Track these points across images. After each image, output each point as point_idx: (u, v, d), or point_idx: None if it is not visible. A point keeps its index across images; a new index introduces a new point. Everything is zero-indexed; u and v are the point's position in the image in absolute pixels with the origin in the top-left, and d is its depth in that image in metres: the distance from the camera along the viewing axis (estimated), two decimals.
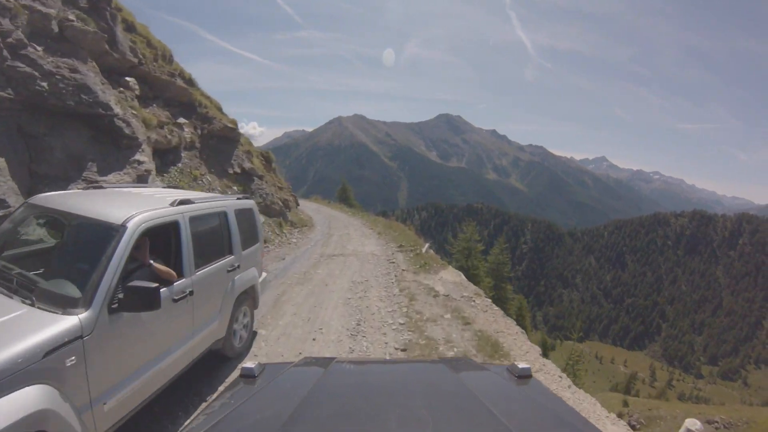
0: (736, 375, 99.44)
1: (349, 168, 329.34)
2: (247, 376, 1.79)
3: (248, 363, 1.86)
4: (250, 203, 5.50)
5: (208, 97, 17.80)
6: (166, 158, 12.16)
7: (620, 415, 12.90)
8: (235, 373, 4.61)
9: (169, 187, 9.90)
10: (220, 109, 18.10)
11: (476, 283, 18.30)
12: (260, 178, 16.49)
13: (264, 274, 5.90)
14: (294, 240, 15.27)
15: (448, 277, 10.66)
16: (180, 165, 12.58)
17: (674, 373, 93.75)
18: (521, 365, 1.87)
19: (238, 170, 15.35)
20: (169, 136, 11.70)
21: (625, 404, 32.37)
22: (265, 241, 12.67)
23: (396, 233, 18.48)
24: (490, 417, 1.24)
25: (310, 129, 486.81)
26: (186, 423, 1.36)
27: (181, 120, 13.47)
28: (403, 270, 10.91)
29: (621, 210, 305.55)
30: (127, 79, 10.39)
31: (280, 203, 16.96)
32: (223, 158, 15.17)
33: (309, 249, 13.72)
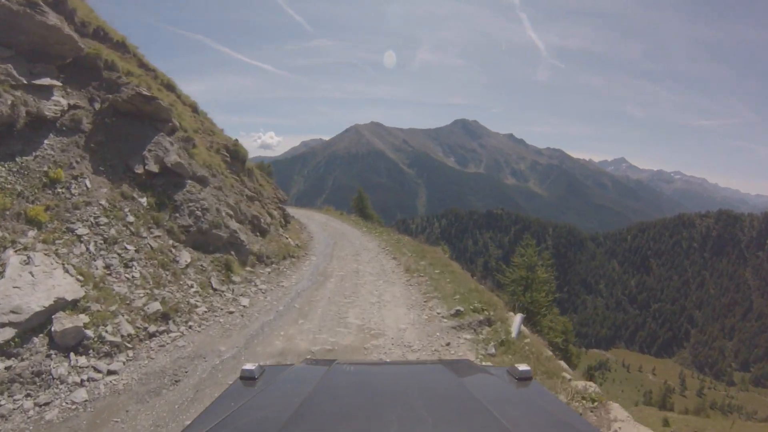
0: None
1: (366, 176, 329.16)
2: (247, 378, 1.76)
3: (248, 365, 1.81)
4: None
5: (154, 70, 12.90)
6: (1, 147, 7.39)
7: None
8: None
9: None
10: (170, 87, 13.29)
11: (544, 333, 14.04)
12: (200, 181, 10.67)
13: None
14: (245, 302, 8.56)
15: None
16: (29, 158, 7.58)
17: (705, 381, 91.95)
18: (522, 367, 1.82)
19: (153, 168, 9.60)
20: None
21: (666, 423, 29.99)
22: (166, 319, 6.93)
23: (437, 270, 11.55)
24: (491, 419, 1.24)
25: (327, 137, 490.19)
26: (186, 425, 1.38)
27: (46, 81, 8.49)
28: None
29: (642, 212, 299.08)
30: None
31: (236, 225, 10.91)
32: (130, 148, 9.65)
33: (264, 326, 7.35)
